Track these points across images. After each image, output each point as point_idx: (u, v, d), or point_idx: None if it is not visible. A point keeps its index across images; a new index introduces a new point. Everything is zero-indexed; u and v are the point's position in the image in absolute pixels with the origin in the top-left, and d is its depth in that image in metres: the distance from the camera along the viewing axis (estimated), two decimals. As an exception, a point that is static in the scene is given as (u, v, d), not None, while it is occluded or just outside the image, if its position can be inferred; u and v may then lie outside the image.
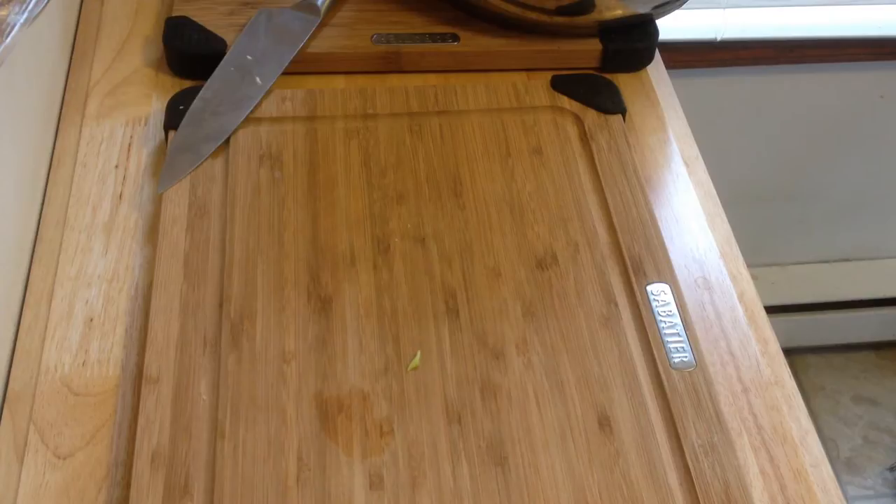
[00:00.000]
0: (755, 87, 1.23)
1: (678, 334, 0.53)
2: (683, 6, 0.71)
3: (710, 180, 0.65)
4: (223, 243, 0.56)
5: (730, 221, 0.63)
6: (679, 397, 0.51)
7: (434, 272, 0.55)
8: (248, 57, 0.66)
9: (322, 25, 0.69)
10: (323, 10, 0.69)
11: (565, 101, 0.65)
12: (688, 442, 0.49)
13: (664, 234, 0.59)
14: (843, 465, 1.50)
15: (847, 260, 1.54)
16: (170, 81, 0.67)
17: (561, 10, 0.67)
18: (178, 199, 0.58)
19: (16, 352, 0.52)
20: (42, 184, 0.61)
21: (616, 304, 0.54)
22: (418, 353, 0.51)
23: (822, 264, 1.53)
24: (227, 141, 0.61)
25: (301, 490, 0.46)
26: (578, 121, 0.65)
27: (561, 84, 0.66)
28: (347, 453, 0.47)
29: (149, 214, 0.59)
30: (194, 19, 0.68)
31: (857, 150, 1.35)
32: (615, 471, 0.48)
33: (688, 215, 0.62)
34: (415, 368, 0.51)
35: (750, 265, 0.60)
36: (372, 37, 0.69)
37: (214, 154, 0.60)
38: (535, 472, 0.47)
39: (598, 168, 0.62)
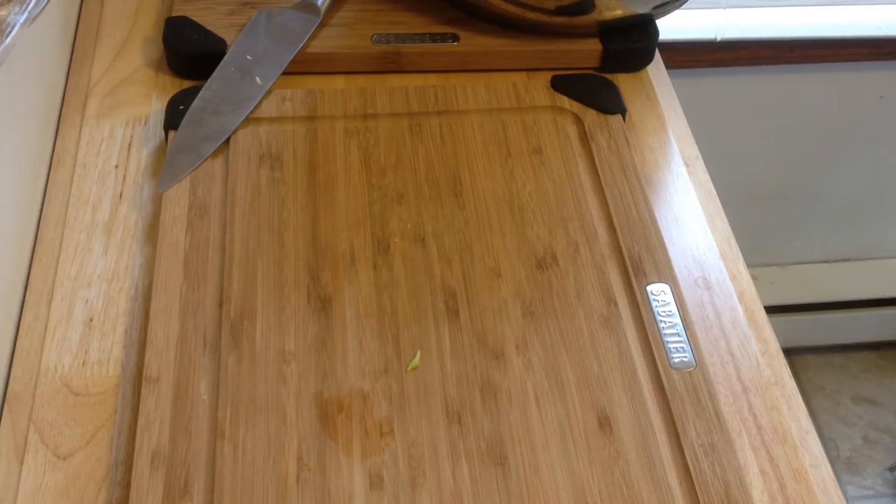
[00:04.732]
0: (755, 87, 1.23)
1: (678, 334, 0.53)
2: (683, 6, 0.71)
3: (710, 180, 0.65)
4: (223, 243, 0.56)
5: (730, 221, 0.63)
6: (679, 397, 0.51)
7: (434, 272, 0.55)
8: (248, 57, 0.66)
9: (322, 25, 0.69)
10: (323, 10, 0.69)
11: (565, 101, 0.65)
12: (688, 442, 0.49)
13: (664, 234, 0.59)
14: (843, 465, 1.50)
15: (847, 260, 1.54)
16: (170, 81, 0.67)
17: (561, 10, 0.67)
18: (178, 199, 0.58)
19: (16, 352, 0.52)
20: (42, 184, 0.61)
21: (616, 304, 0.54)
22: (418, 353, 0.51)
23: (822, 264, 1.53)
24: (227, 141, 0.61)
25: (301, 490, 0.46)
26: (578, 121, 0.65)
27: (561, 84, 0.66)
28: (347, 453, 0.47)
29: (149, 214, 0.59)
30: (194, 19, 0.68)
31: (857, 150, 1.35)
32: (615, 471, 0.48)
33: (688, 215, 0.62)
34: (415, 368, 0.51)
35: (750, 265, 0.60)
36: (372, 37, 0.69)
37: (214, 154, 0.60)
38: (535, 472, 0.47)
39: (598, 168, 0.62)
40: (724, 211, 0.63)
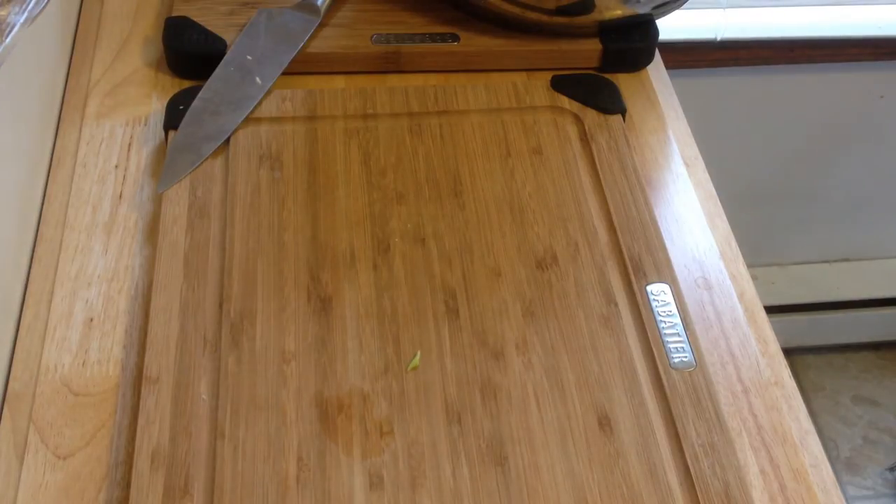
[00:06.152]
0: (755, 87, 1.23)
1: (678, 334, 0.53)
2: (683, 6, 0.71)
3: (710, 180, 0.65)
4: (223, 243, 0.56)
5: (730, 221, 0.63)
6: (679, 397, 0.51)
7: (434, 272, 0.55)
8: (248, 57, 0.66)
9: (322, 25, 0.69)
10: (323, 10, 0.69)
11: (565, 101, 0.65)
12: (688, 442, 0.49)
13: (664, 234, 0.59)
14: (843, 465, 1.50)
15: (847, 260, 1.54)
16: (170, 81, 0.67)
17: (561, 10, 0.67)
18: (178, 199, 0.58)
19: (16, 352, 0.52)
20: (42, 184, 0.61)
21: (616, 304, 0.54)
22: (418, 353, 0.51)
23: (822, 264, 1.53)
24: (227, 141, 0.61)
25: (301, 490, 0.46)
26: (578, 121, 0.65)
27: (561, 84, 0.66)
28: (347, 453, 0.47)
29: (149, 214, 0.59)
30: (194, 19, 0.68)
31: (857, 150, 1.35)
32: (615, 471, 0.48)
33: (688, 215, 0.62)
34: (415, 368, 0.51)
35: (750, 265, 0.60)
36: (372, 37, 0.69)
37: (214, 154, 0.60)
38: (535, 472, 0.47)
39: (598, 168, 0.62)
40: (724, 211, 0.63)
